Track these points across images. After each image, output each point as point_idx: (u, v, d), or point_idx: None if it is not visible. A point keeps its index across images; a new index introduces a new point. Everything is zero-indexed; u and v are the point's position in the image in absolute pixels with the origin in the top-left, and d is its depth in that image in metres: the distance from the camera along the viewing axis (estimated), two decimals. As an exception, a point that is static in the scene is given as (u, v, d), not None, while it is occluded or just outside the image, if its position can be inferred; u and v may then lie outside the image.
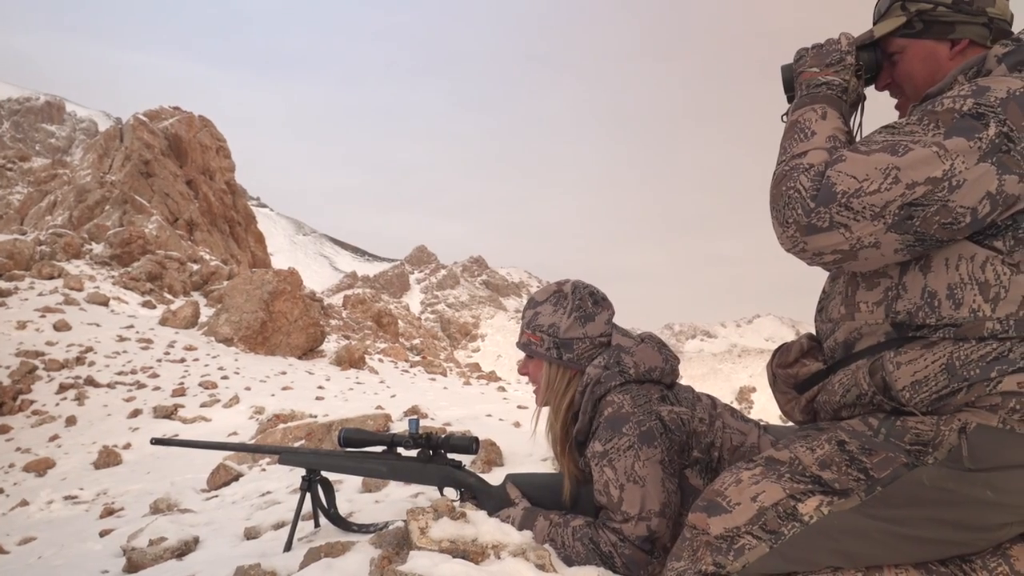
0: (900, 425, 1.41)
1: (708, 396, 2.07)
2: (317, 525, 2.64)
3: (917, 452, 1.37)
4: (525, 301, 2.34)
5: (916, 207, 1.35)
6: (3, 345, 12.74)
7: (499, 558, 1.66)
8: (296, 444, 5.64)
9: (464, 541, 1.67)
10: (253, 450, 2.88)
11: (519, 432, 4.84)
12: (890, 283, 1.49)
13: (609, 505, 1.82)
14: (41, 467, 8.63)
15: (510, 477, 2.22)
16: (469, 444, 2.34)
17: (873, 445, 1.42)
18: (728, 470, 1.57)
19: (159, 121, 35.12)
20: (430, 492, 3.16)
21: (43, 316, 14.80)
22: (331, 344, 19.33)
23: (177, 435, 9.27)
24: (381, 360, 20.01)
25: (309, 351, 17.55)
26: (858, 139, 1.62)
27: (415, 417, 2.42)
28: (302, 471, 2.50)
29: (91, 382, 11.87)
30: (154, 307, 18.75)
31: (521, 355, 2.18)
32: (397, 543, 1.82)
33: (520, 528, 1.90)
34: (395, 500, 3.17)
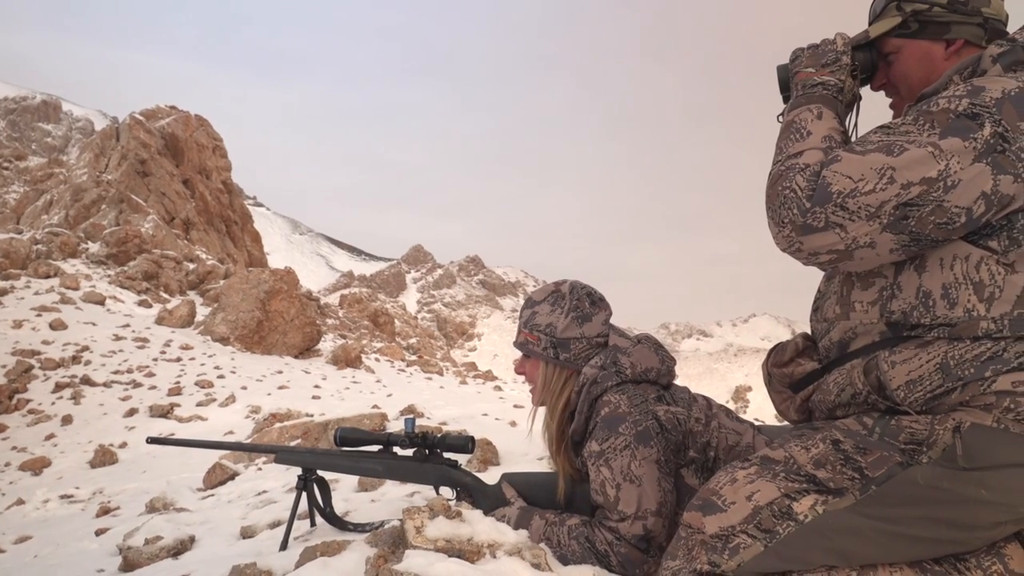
0: (895, 424, 1.41)
1: (703, 397, 2.08)
2: (313, 524, 2.63)
3: (912, 451, 1.37)
4: (521, 300, 2.35)
5: (911, 207, 1.36)
6: (-1, 344, 12.73)
7: (495, 557, 1.66)
8: (292, 443, 5.64)
9: (460, 540, 1.67)
10: (249, 449, 2.87)
11: (515, 431, 4.84)
12: (885, 283, 1.50)
13: (605, 504, 1.82)
14: (37, 466, 8.62)
15: (506, 476, 2.23)
16: (465, 443, 2.34)
17: (868, 444, 1.42)
18: (723, 469, 1.57)
19: (155, 120, 35.06)
20: (426, 491, 3.16)
21: (39, 315, 14.77)
22: (327, 343, 19.33)
23: (173, 434, 9.26)
24: (377, 359, 20.02)
25: (305, 350, 17.54)
26: (854, 139, 1.62)
27: (411, 416, 2.42)
28: (298, 470, 2.49)
29: (87, 381, 11.86)
30: (150, 306, 18.72)
31: (518, 354, 2.19)
32: (393, 542, 1.82)
33: (516, 527, 1.90)
34: (391, 499, 3.17)
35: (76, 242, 22.25)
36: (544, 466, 3.40)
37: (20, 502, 7.22)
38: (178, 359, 13.99)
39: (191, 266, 23.73)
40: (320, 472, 2.53)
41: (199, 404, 11.21)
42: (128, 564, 2.81)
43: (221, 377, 12.97)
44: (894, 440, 1.39)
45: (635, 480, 1.79)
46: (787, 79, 1.74)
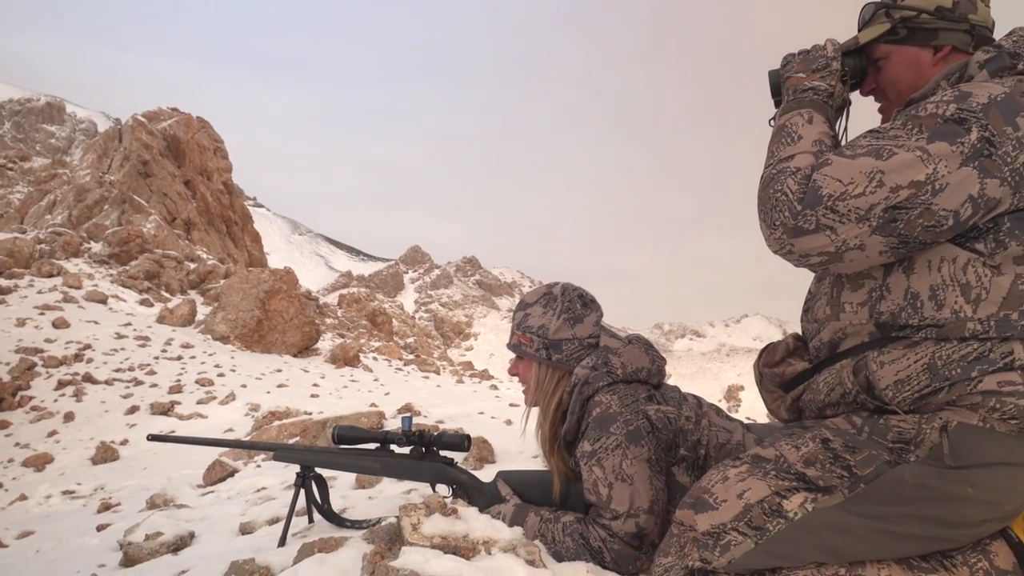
0: (883, 423, 1.43)
1: (694, 396, 2.10)
2: (311, 521, 2.65)
3: (900, 450, 1.39)
4: (517, 301, 2.37)
5: (900, 210, 1.38)
6: (3, 342, 12.73)
7: (490, 554, 1.67)
8: (291, 441, 5.66)
9: (455, 537, 1.69)
10: (248, 447, 2.89)
11: (511, 430, 4.86)
12: (874, 284, 1.52)
13: (598, 503, 1.84)
14: (40, 462, 8.65)
15: (501, 474, 2.25)
16: (461, 441, 2.36)
17: (857, 443, 1.44)
18: (715, 468, 1.59)
19: (158, 122, 35.06)
20: (423, 489, 3.18)
21: (42, 313, 14.79)
22: (326, 342, 19.35)
23: (173, 431, 9.28)
24: (375, 358, 20.03)
25: (304, 349, 17.57)
26: (843, 143, 1.64)
27: (408, 415, 2.44)
28: (296, 467, 2.51)
29: (89, 379, 11.88)
30: (151, 305, 18.73)
31: (513, 354, 2.21)
32: (389, 539, 1.83)
33: (511, 524, 1.92)
34: (388, 496, 3.19)
35: (79, 242, 22.27)
36: (539, 464, 3.43)
37: (23, 497, 7.24)
38: (179, 357, 14.02)
39: (192, 266, 23.74)
40: (318, 469, 2.54)
41: (199, 402, 11.24)
42: (129, 559, 2.83)
43: (221, 375, 13.01)
44: (882, 439, 1.42)
45: (627, 479, 1.81)
46: (778, 84, 1.76)
